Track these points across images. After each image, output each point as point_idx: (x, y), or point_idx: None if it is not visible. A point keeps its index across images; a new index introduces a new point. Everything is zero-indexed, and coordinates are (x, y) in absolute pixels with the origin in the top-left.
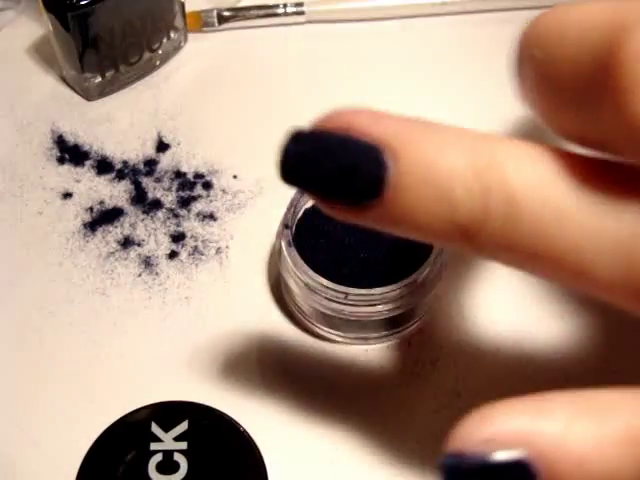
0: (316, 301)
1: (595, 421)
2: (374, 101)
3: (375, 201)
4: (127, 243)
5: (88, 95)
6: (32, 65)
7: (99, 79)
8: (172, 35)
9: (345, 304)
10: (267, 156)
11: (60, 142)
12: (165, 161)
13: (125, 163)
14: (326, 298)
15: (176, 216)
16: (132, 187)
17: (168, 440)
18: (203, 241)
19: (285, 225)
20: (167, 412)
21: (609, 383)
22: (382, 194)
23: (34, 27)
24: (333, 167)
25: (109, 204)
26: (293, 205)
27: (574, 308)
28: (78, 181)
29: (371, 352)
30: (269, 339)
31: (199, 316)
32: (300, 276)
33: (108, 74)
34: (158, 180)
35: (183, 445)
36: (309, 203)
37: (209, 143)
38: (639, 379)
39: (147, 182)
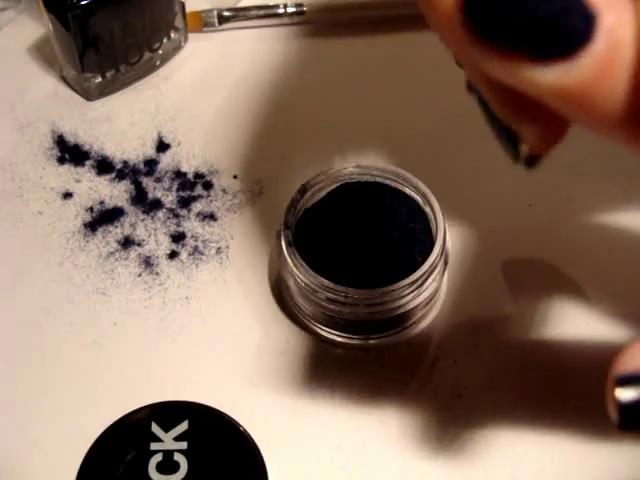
0: (316, 301)
1: None
2: (374, 101)
3: (575, 52)
4: (127, 243)
5: (88, 95)
6: (32, 65)
7: (99, 79)
8: (172, 35)
9: (345, 304)
10: (267, 156)
11: (60, 142)
12: (165, 161)
13: (125, 163)
14: (326, 298)
15: (176, 216)
16: (132, 187)
17: (168, 440)
18: (203, 241)
19: (285, 225)
20: (167, 412)
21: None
22: (586, 43)
23: (34, 27)
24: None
25: (109, 204)
26: (293, 205)
27: (574, 307)
28: (78, 181)
29: (371, 352)
30: (269, 339)
31: (199, 316)
32: (300, 276)
33: (108, 74)
34: (158, 180)
35: (183, 445)
36: (309, 203)
37: (209, 143)
38: None
39: (147, 182)
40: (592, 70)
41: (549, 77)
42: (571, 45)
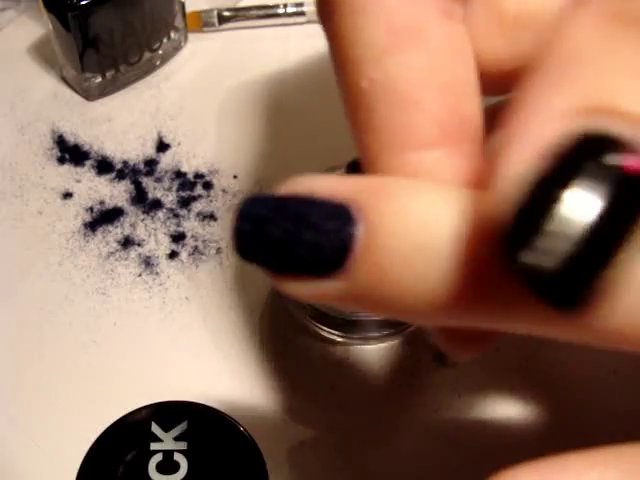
0: (316, 301)
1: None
2: None
3: (343, 267)
4: (127, 243)
5: (88, 95)
6: (32, 65)
7: (99, 79)
8: (172, 35)
9: None
10: (267, 156)
11: (60, 142)
12: (165, 161)
13: (125, 163)
14: None
15: (176, 216)
16: (132, 187)
17: (168, 440)
18: (203, 241)
19: None
20: (167, 412)
21: (610, 382)
22: (349, 257)
23: (34, 27)
24: (290, 234)
25: (109, 204)
26: None
27: None
28: (78, 181)
29: (371, 352)
30: (269, 339)
31: (199, 316)
32: None
33: (108, 74)
34: (158, 180)
35: (183, 445)
36: None
37: (209, 143)
38: None
39: (147, 182)
40: (367, 273)
41: (331, 289)
42: (333, 265)
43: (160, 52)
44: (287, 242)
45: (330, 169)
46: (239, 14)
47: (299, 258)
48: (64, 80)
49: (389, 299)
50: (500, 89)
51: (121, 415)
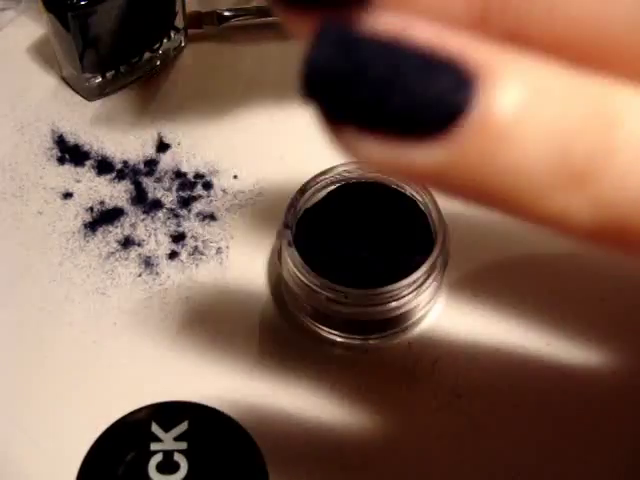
0: (316, 301)
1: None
2: None
3: (448, 131)
4: (127, 243)
5: (88, 95)
6: (32, 65)
7: (99, 79)
8: (172, 35)
9: (345, 304)
10: (267, 156)
11: (60, 142)
12: (165, 161)
13: (125, 163)
14: (326, 298)
15: (176, 216)
16: (132, 187)
17: (168, 440)
18: (203, 241)
19: (285, 225)
20: (167, 412)
21: (609, 383)
22: (462, 120)
23: (34, 27)
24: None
25: (109, 204)
26: (293, 205)
27: (575, 307)
28: (78, 181)
29: (371, 352)
30: (269, 339)
31: (199, 316)
32: (300, 276)
33: (108, 74)
34: (158, 180)
35: (183, 445)
36: (309, 203)
37: (209, 143)
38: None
39: (147, 182)
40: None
41: (422, 159)
42: (434, 126)
43: (160, 52)
44: (376, 86)
45: (323, 173)
46: (239, 14)
47: (391, 108)
48: (64, 80)
49: (497, 194)
50: None
51: (121, 415)
